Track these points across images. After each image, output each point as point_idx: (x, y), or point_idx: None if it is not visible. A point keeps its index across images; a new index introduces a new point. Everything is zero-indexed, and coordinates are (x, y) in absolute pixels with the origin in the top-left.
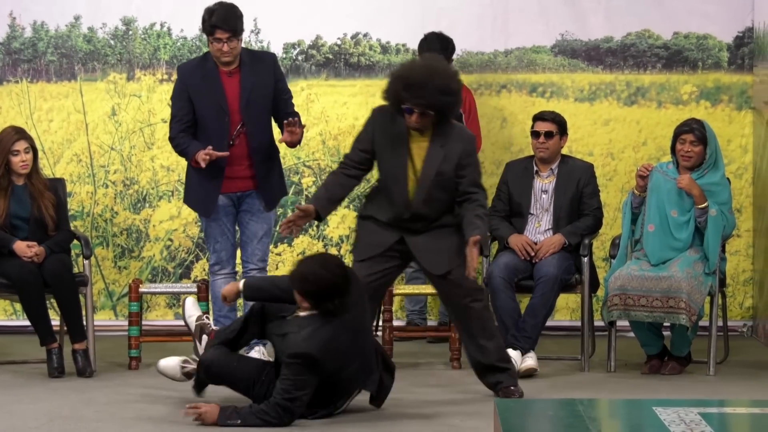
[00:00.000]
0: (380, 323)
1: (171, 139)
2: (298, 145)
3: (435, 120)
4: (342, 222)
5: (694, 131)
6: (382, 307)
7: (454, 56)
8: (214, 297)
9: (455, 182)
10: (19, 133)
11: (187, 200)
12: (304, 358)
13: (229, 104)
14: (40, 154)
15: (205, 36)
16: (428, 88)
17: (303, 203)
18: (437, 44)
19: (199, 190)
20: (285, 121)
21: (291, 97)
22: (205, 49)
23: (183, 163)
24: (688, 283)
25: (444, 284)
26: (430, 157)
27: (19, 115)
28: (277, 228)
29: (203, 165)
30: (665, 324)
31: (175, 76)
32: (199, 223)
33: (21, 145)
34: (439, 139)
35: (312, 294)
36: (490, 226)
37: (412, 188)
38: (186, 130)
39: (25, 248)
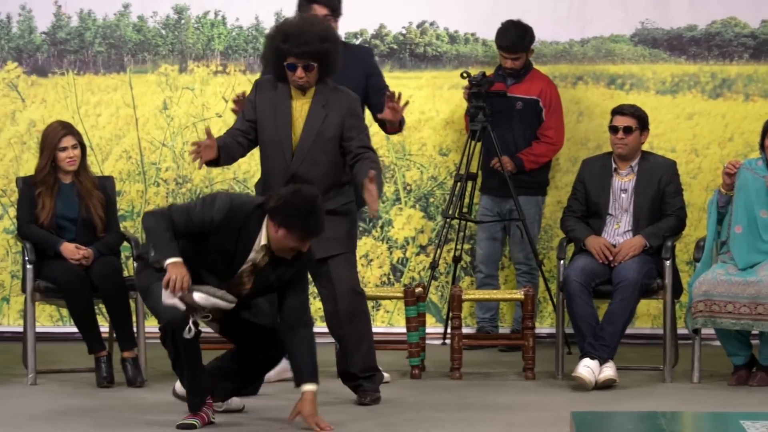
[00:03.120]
0: (449, 330)
1: None
2: (400, 129)
3: (319, 74)
4: (408, 222)
5: None
6: (451, 314)
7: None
8: None
9: (342, 146)
10: (66, 128)
11: None
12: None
13: None
14: (87, 150)
15: (263, 25)
16: (307, 35)
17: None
18: (514, 33)
19: None
20: (387, 93)
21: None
22: (262, 40)
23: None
24: None
25: (320, 272)
26: (311, 117)
27: (66, 109)
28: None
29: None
30: (753, 332)
31: (230, 67)
32: None
33: (68, 141)
34: (320, 98)
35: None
36: (566, 227)
37: (294, 152)
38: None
39: (73, 250)
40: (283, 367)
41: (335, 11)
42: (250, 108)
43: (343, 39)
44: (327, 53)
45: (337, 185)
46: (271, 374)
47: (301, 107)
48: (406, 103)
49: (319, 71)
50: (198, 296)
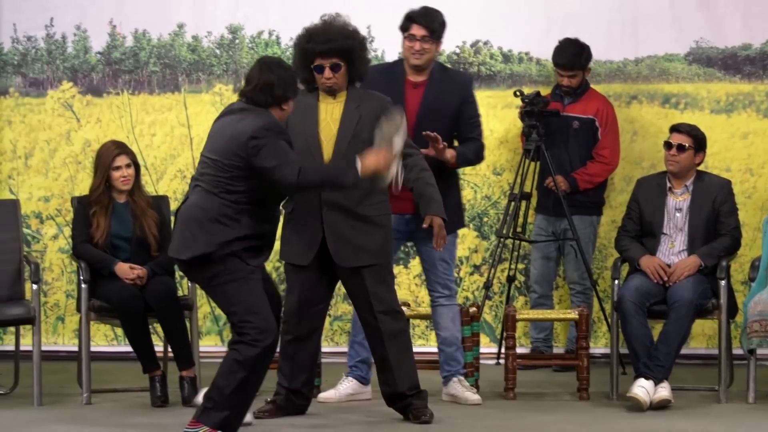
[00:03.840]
0: (503, 350)
1: None
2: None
3: (348, 76)
4: (462, 242)
5: None
6: (505, 334)
7: None
8: (353, 321)
9: None
10: (120, 148)
11: None
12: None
13: (407, 116)
14: (142, 170)
15: None
16: (330, 32)
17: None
18: (571, 50)
19: None
20: (426, 134)
21: (478, 124)
22: None
23: None
24: None
25: (351, 283)
26: (345, 118)
27: (120, 129)
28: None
29: None
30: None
31: None
32: None
33: (122, 160)
34: (353, 100)
35: None
36: (620, 247)
37: (327, 155)
38: None
39: (128, 270)
40: (346, 389)
41: (434, 33)
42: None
43: (445, 65)
44: (351, 50)
45: (372, 190)
46: (331, 395)
47: (331, 110)
48: (445, 146)
49: (348, 73)
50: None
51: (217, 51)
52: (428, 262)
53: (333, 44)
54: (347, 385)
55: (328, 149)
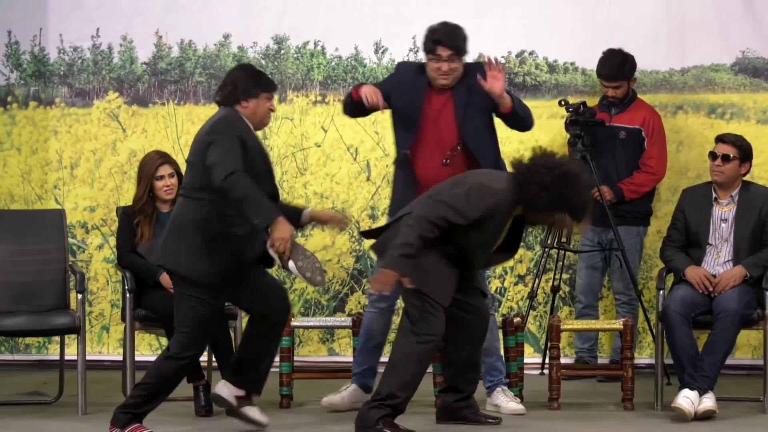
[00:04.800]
0: (547, 360)
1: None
2: (503, 99)
3: None
4: None
5: None
6: (549, 344)
7: None
8: (361, 330)
9: None
10: (164, 158)
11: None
12: None
13: (435, 122)
14: None
15: (362, 55)
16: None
17: None
18: (614, 61)
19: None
20: (484, 62)
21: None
22: (361, 69)
23: (337, 189)
24: None
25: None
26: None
27: (166, 139)
28: None
29: (366, 100)
30: None
31: (329, 97)
32: (354, 254)
33: (165, 170)
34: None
35: None
36: (665, 257)
37: None
38: None
39: (169, 281)
40: (350, 397)
41: (459, 51)
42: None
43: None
44: None
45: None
46: (336, 400)
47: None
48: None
49: None
50: (291, 265)
51: (263, 61)
52: None
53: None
54: (351, 392)
55: None
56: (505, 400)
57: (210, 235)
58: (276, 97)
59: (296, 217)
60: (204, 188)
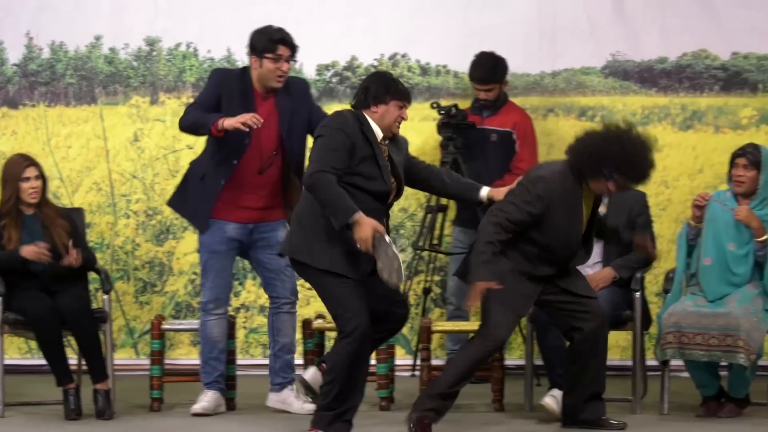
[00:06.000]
0: (418, 362)
1: (182, 116)
2: None
3: None
4: None
5: (746, 154)
6: (420, 346)
7: None
8: (204, 338)
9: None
10: (28, 160)
11: (181, 208)
12: None
13: (259, 130)
14: (57, 182)
15: (234, 57)
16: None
17: None
18: (486, 64)
19: (200, 199)
20: None
21: None
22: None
23: None
24: (747, 320)
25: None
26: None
27: (36, 141)
28: None
29: (243, 128)
30: (722, 363)
31: None
32: None
33: (31, 172)
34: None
35: None
36: None
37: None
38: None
39: (33, 249)
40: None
41: (295, 53)
42: None
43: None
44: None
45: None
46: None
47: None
48: None
49: None
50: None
51: (134, 63)
52: (274, 270)
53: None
54: (218, 398)
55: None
56: (297, 400)
57: (326, 224)
58: (147, 98)
59: (473, 194)
60: None
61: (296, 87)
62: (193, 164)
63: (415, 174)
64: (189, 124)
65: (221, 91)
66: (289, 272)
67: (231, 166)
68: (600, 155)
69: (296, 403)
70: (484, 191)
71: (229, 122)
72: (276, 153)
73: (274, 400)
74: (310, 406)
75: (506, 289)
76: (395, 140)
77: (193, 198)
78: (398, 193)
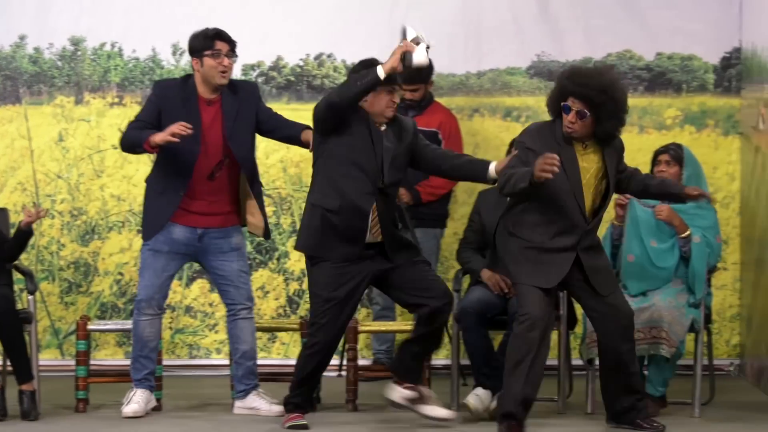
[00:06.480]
0: (344, 362)
1: (122, 135)
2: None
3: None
4: (300, 258)
5: (669, 151)
6: (347, 346)
7: None
8: (135, 336)
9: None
10: None
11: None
12: None
13: (206, 135)
14: None
15: (160, 57)
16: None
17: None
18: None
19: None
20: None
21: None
22: (159, 71)
23: (134, 192)
24: (669, 313)
25: (604, 306)
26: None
27: None
28: None
29: (174, 139)
30: (644, 362)
31: (126, 99)
32: None
33: None
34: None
35: None
36: (462, 259)
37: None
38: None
39: None
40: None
41: (234, 48)
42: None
43: (238, 72)
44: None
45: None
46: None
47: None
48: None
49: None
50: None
51: (59, 63)
52: (227, 276)
53: (585, 90)
54: (147, 397)
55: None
56: (264, 403)
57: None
58: (72, 98)
59: (483, 172)
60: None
61: (243, 89)
62: (150, 181)
63: (422, 156)
64: (128, 145)
65: (161, 105)
66: (244, 278)
67: (188, 175)
68: (558, 82)
69: (264, 405)
70: (492, 167)
71: (160, 137)
72: (227, 157)
73: (239, 407)
74: (278, 408)
75: (523, 267)
76: (398, 124)
77: (150, 210)
78: (392, 182)
